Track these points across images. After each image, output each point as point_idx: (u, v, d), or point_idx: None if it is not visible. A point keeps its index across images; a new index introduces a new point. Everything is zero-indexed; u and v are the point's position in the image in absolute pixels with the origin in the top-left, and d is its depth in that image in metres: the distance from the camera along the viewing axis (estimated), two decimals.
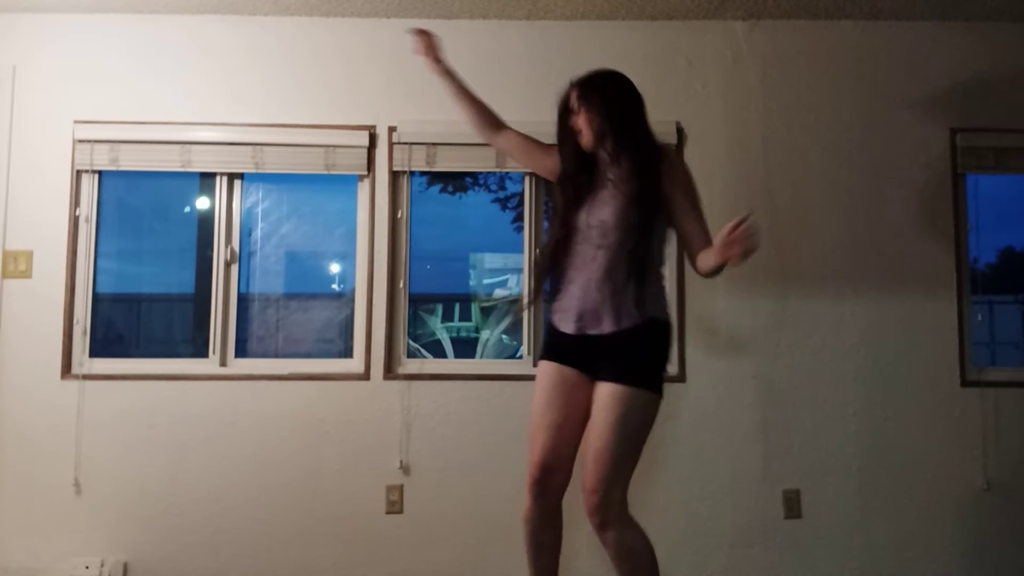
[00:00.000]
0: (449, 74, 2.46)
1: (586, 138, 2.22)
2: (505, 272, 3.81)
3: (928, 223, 3.24)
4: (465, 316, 4.35)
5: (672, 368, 3.20)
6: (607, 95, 2.24)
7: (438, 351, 4.34)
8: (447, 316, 4.64)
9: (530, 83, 3.19)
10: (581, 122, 2.22)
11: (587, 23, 3.29)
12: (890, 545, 3.12)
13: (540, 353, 2.35)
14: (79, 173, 3.21)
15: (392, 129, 3.23)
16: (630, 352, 2.12)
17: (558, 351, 2.23)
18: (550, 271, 2.27)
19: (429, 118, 3.22)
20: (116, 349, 3.40)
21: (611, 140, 2.20)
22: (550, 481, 2.18)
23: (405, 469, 3.13)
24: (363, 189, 3.27)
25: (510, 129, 2.45)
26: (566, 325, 2.19)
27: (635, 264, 2.11)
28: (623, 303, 2.11)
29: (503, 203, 3.62)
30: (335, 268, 3.54)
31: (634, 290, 2.11)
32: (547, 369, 2.24)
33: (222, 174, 3.29)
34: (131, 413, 3.12)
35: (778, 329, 3.20)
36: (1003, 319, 3.54)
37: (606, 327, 2.12)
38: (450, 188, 3.60)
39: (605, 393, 2.10)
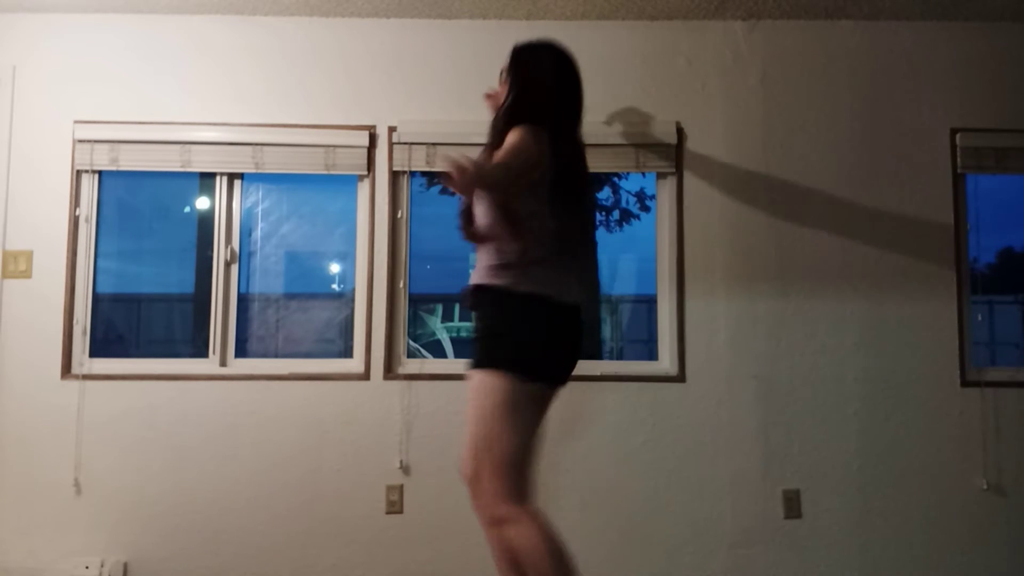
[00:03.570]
0: None
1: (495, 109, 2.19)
2: None
3: (928, 223, 3.24)
4: (465, 316, 4.35)
5: (672, 368, 3.21)
6: (522, 69, 2.14)
7: (438, 351, 4.34)
8: (447, 316, 4.65)
9: None
10: (501, 91, 2.19)
11: (587, 23, 3.29)
12: (890, 545, 3.12)
13: None
14: (79, 173, 3.21)
15: (392, 129, 3.23)
16: (476, 331, 2.02)
17: None
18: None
19: (429, 118, 3.22)
20: (116, 349, 3.40)
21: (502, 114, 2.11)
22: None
23: (405, 469, 3.13)
24: (363, 189, 3.27)
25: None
26: None
27: (486, 232, 2.01)
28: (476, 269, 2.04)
29: None
30: (335, 268, 3.54)
31: (481, 258, 2.02)
32: None
33: (222, 174, 3.29)
34: (131, 413, 3.12)
35: (778, 329, 3.20)
36: (1003, 319, 3.54)
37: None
38: (451, 188, 3.60)
39: None
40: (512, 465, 1.90)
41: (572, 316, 2.02)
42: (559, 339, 2.00)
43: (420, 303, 3.96)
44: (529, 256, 1.98)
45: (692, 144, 3.26)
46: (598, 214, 3.70)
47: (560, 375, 2.03)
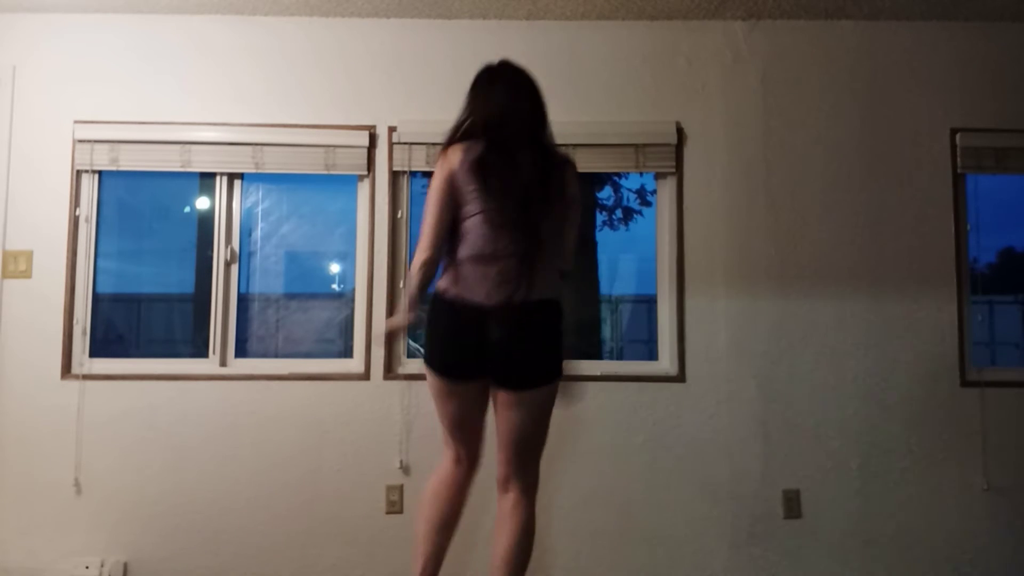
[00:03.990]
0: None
1: None
2: None
3: (928, 223, 3.24)
4: None
5: (672, 368, 3.22)
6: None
7: None
8: None
9: None
10: None
11: (587, 23, 3.29)
12: (890, 545, 3.12)
13: None
14: (79, 173, 3.21)
15: (392, 129, 3.23)
16: None
17: None
18: None
19: (429, 118, 3.22)
20: (116, 349, 3.40)
21: None
22: None
23: (405, 469, 3.13)
24: (363, 189, 3.27)
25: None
26: None
27: None
28: None
29: None
30: (335, 268, 3.54)
31: None
32: None
33: (222, 174, 3.29)
34: (131, 413, 3.12)
35: (778, 329, 3.20)
36: (1003, 319, 3.54)
37: None
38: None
39: None
40: (445, 430, 2.34)
41: (474, 314, 2.08)
42: (449, 334, 2.16)
43: (420, 303, 3.95)
44: (451, 258, 2.15)
45: (692, 144, 3.26)
46: (599, 213, 3.69)
47: (458, 371, 2.17)
